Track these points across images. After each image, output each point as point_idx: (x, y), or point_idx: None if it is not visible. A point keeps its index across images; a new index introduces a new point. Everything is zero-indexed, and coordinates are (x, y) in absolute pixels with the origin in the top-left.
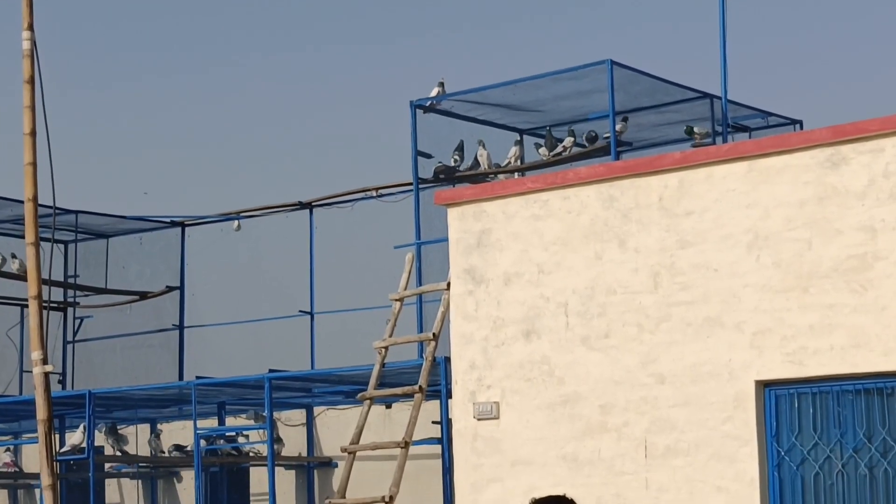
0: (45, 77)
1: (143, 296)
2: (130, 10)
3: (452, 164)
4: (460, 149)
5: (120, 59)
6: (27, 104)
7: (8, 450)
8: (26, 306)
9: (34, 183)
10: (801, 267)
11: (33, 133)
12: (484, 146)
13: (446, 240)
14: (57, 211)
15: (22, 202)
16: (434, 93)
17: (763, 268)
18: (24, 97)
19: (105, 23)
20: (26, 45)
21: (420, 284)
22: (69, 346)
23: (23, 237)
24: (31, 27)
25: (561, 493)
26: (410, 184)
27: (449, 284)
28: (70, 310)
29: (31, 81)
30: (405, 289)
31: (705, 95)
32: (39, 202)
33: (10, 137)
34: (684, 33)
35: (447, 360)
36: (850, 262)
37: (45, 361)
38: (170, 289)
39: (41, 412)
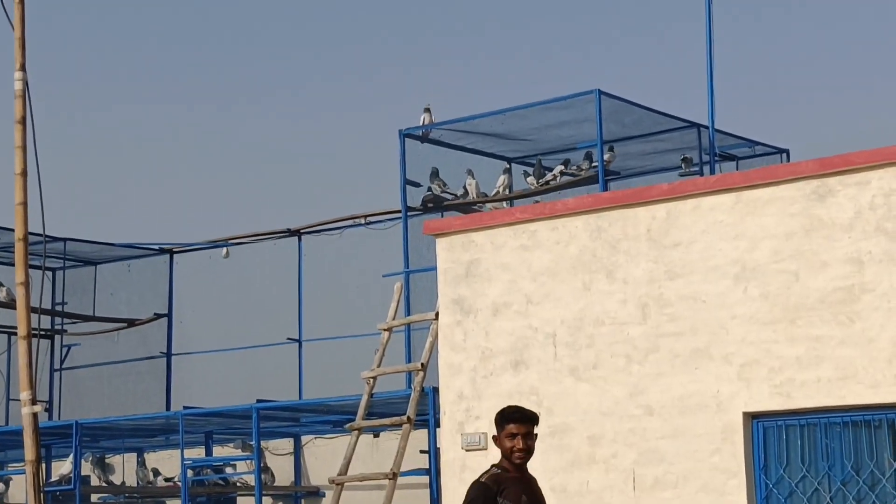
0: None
1: (131, 323)
2: (120, 38)
3: (428, 191)
4: (436, 175)
5: (109, 85)
6: (18, 144)
7: None
8: (13, 334)
9: (24, 223)
10: (788, 299)
11: (24, 173)
12: (472, 175)
13: (435, 268)
14: (46, 239)
15: (10, 230)
16: (422, 119)
17: (750, 299)
18: (15, 137)
19: (95, 49)
20: (18, 85)
21: (408, 313)
22: (56, 374)
23: (10, 264)
24: (23, 67)
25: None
26: (399, 212)
27: (437, 314)
28: (57, 337)
29: (23, 122)
30: (394, 318)
31: (693, 125)
32: (28, 229)
33: None
34: (672, 62)
35: (435, 390)
36: (838, 294)
37: (33, 402)
38: (158, 316)
39: (29, 453)
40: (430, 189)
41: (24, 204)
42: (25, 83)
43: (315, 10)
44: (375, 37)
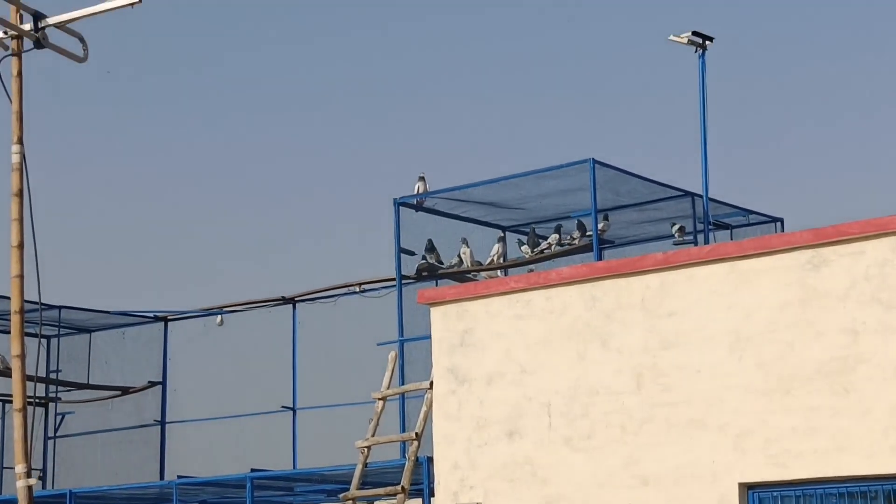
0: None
1: (125, 391)
2: (115, 108)
3: (423, 259)
4: (431, 248)
5: (105, 152)
6: (15, 217)
7: None
8: (8, 402)
9: (20, 296)
10: (783, 369)
11: (21, 246)
12: (467, 244)
13: (429, 337)
14: (41, 307)
15: (6, 298)
16: (416, 188)
17: (746, 369)
18: (11, 210)
19: (89, 116)
20: (15, 158)
21: (403, 381)
22: (50, 442)
23: (6, 332)
24: (20, 141)
25: None
26: (393, 279)
27: (432, 383)
28: (52, 405)
29: (20, 194)
30: (388, 387)
31: (687, 193)
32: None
33: None
34: (666, 131)
35: (430, 459)
36: (833, 365)
37: (28, 474)
38: (152, 384)
39: None
40: (424, 258)
41: (21, 277)
42: (23, 156)
43: (309, 78)
44: (370, 105)
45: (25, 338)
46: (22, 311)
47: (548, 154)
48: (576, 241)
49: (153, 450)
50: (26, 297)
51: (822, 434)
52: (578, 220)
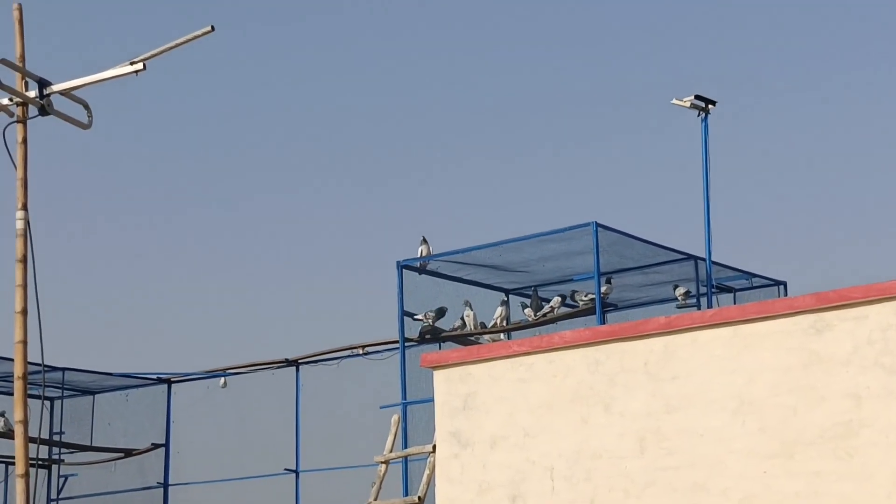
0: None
1: (129, 453)
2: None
3: (424, 319)
4: (442, 313)
5: (108, 215)
6: (19, 283)
7: None
8: (11, 464)
9: (24, 361)
10: (786, 433)
11: (24, 312)
12: (471, 307)
13: (432, 399)
14: (44, 369)
15: (9, 359)
16: (419, 251)
17: (749, 434)
18: (15, 276)
19: (92, 180)
20: (20, 224)
21: (406, 445)
22: None
23: (10, 394)
24: (24, 207)
25: None
26: (396, 342)
27: (434, 447)
28: (55, 467)
29: (24, 260)
30: (391, 450)
31: (690, 257)
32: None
33: None
34: (669, 194)
35: None
36: (836, 429)
37: None
38: (155, 446)
39: None
40: (426, 315)
41: (24, 342)
42: (27, 222)
43: (312, 141)
44: (373, 168)
45: (29, 400)
46: (25, 377)
47: (551, 217)
48: (580, 304)
49: None
50: (29, 359)
51: (825, 499)
52: (584, 284)
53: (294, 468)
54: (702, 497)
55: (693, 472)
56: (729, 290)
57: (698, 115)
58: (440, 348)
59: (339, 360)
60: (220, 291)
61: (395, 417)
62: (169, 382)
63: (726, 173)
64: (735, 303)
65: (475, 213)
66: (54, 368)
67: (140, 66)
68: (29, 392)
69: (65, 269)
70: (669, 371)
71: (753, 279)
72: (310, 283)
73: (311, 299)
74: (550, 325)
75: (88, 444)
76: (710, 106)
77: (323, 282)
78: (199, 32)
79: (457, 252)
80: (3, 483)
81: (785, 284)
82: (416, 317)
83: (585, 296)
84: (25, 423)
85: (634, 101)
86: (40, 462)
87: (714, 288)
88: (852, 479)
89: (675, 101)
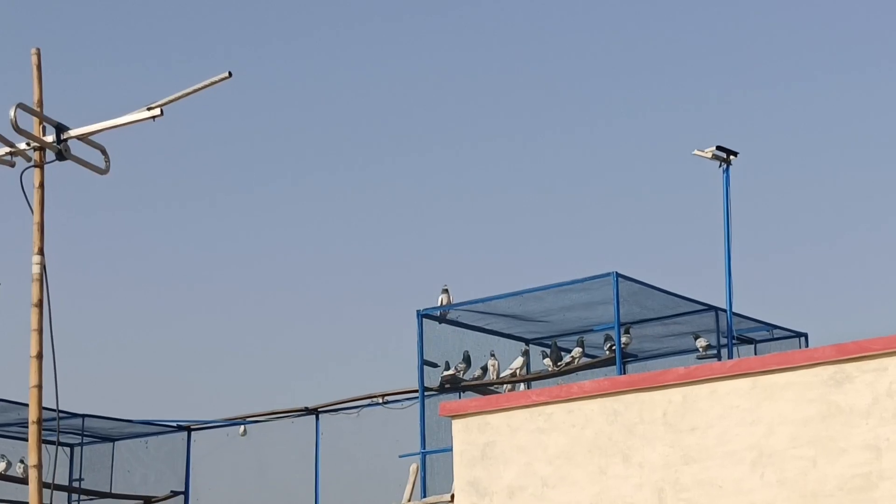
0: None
1: (148, 501)
2: (135, 210)
3: (455, 372)
4: (467, 360)
5: (125, 260)
6: (35, 327)
7: None
8: None
9: (39, 406)
10: (805, 485)
11: (40, 356)
12: (495, 356)
13: (451, 449)
14: (63, 415)
15: (24, 405)
16: (440, 300)
17: (767, 485)
18: (31, 320)
19: (111, 223)
20: (36, 269)
21: (424, 495)
22: None
23: (25, 439)
24: (41, 251)
25: None
26: (416, 391)
27: (453, 497)
28: None
29: (40, 305)
30: (409, 499)
31: (710, 308)
32: (44, 405)
33: (14, 336)
34: (690, 244)
35: None
36: (856, 482)
37: None
38: (174, 493)
39: None
40: (457, 368)
41: (39, 387)
42: (43, 267)
43: (331, 188)
44: (394, 217)
45: (46, 446)
46: (40, 421)
47: (572, 267)
48: (606, 353)
49: None
50: (48, 405)
51: None
52: (605, 334)
53: None
54: None
55: None
56: (750, 341)
57: (720, 165)
58: (460, 397)
59: (358, 409)
60: (239, 339)
61: (413, 466)
62: (189, 430)
63: (747, 223)
64: (756, 354)
65: (497, 263)
66: (74, 415)
67: (157, 111)
68: (45, 438)
69: (85, 314)
70: (688, 422)
71: (774, 330)
72: (330, 332)
73: (330, 348)
74: (569, 376)
75: (108, 490)
76: (731, 157)
77: (343, 330)
78: (216, 78)
79: (477, 301)
80: None
81: (806, 336)
82: (445, 373)
83: (607, 347)
84: (39, 467)
85: (656, 152)
86: None
87: (735, 339)
88: None
89: (696, 151)
